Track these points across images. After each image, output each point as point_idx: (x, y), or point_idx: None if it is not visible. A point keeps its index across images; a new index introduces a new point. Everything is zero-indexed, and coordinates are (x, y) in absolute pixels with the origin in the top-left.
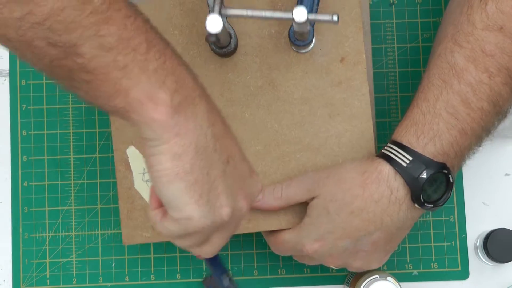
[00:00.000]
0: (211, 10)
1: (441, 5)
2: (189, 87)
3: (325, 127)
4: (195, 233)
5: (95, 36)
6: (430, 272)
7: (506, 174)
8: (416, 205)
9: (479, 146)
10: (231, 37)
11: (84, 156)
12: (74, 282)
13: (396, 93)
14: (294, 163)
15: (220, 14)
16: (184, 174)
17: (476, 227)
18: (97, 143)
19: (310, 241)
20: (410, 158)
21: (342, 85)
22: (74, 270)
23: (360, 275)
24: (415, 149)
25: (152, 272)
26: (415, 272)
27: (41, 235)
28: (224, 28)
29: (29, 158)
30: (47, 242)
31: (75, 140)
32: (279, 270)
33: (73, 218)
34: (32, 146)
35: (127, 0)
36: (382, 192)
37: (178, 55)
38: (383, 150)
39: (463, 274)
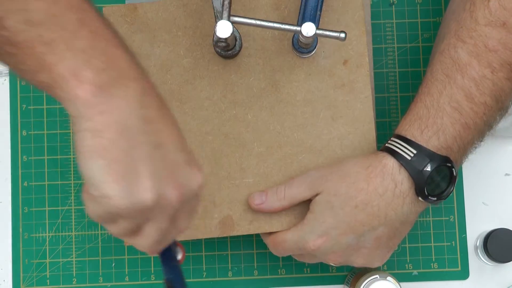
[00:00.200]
0: (219, 16)
1: (441, 5)
2: (122, 68)
3: (328, 129)
4: (119, 217)
5: (22, 10)
6: (430, 272)
7: (506, 174)
8: (420, 198)
9: (481, 141)
10: (236, 40)
11: None
12: (74, 282)
13: (396, 93)
14: (296, 165)
15: (229, 20)
16: (103, 151)
17: (476, 227)
18: None
19: (313, 237)
20: (414, 152)
21: (345, 88)
22: (74, 270)
23: (360, 275)
24: (419, 143)
25: (152, 272)
26: (415, 272)
27: (41, 235)
28: (233, 33)
29: (29, 158)
30: (47, 242)
31: None
32: (279, 270)
33: (73, 218)
34: (32, 146)
35: None
36: (386, 185)
37: (123, 41)
38: (387, 144)
39: (463, 274)
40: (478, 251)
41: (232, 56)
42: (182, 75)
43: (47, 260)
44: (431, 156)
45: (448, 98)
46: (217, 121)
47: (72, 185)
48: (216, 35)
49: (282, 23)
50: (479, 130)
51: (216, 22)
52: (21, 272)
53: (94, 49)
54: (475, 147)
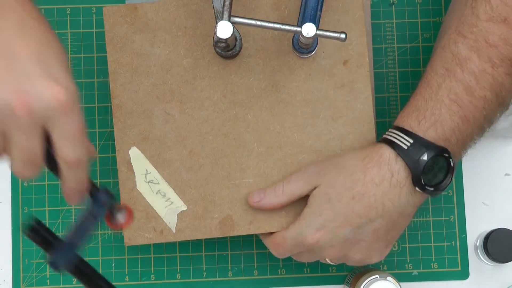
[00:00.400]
0: (219, 16)
1: (441, 5)
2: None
3: (328, 129)
4: None
5: None
6: (430, 272)
7: (506, 174)
8: (417, 188)
9: (481, 136)
10: (236, 40)
11: None
12: (74, 282)
13: (396, 93)
14: (296, 165)
15: (230, 20)
16: None
17: (476, 227)
18: (97, 143)
19: (311, 231)
20: (411, 141)
21: (345, 88)
22: None
23: (360, 275)
24: (417, 133)
25: (152, 272)
26: (415, 272)
27: None
28: (233, 33)
29: None
30: None
31: None
32: (279, 270)
33: (73, 218)
34: None
35: None
36: (383, 175)
37: None
38: (384, 135)
39: (463, 274)
40: (478, 251)
41: (232, 57)
42: (182, 75)
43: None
44: (428, 145)
45: (447, 91)
46: (217, 121)
47: None
48: (217, 36)
49: (282, 24)
50: (479, 125)
51: (216, 23)
52: (21, 272)
53: None
54: (475, 142)
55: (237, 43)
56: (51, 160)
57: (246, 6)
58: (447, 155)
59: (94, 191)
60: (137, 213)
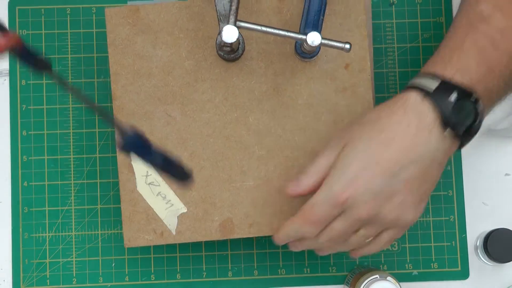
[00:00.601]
0: (223, 20)
1: (441, 5)
2: None
3: (329, 133)
4: None
5: None
6: (430, 272)
7: (506, 174)
8: (446, 133)
9: (507, 93)
10: (239, 43)
11: (84, 156)
12: (74, 282)
13: (396, 93)
14: (297, 169)
15: (235, 25)
16: None
17: (476, 227)
18: (97, 143)
19: (341, 186)
20: (438, 83)
21: (347, 92)
22: (74, 270)
23: (360, 275)
24: (443, 76)
25: (152, 272)
26: (415, 272)
27: (41, 235)
28: (239, 38)
29: (29, 158)
30: (47, 242)
31: (75, 140)
32: (279, 270)
33: (73, 218)
34: (32, 146)
35: None
36: (410, 119)
37: None
38: (409, 83)
39: (463, 274)
40: (478, 251)
41: (235, 59)
42: (184, 77)
43: (47, 260)
44: (455, 87)
45: (472, 43)
46: (218, 123)
47: (72, 185)
48: (222, 40)
49: (287, 31)
50: (505, 80)
51: (219, 25)
52: (21, 272)
53: None
54: (501, 98)
55: (240, 46)
56: None
57: (248, 9)
58: (474, 100)
59: None
60: (137, 215)
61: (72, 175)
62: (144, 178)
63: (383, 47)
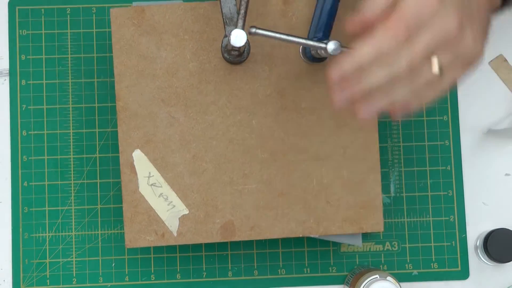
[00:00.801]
0: (228, 23)
1: None
2: None
3: (332, 137)
4: None
5: None
6: (430, 272)
7: (506, 174)
8: None
9: None
10: (245, 46)
11: (84, 156)
12: (74, 282)
13: None
14: (299, 173)
15: (243, 29)
16: None
17: (476, 227)
18: (97, 143)
19: None
20: None
21: None
22: (74, 270)
23: (360, 275)
24: None
25: (152, 272)
26: (415, 272)
27: (41, 235)
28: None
29: (29, 158)
30: (47, 242)
31: (75, 140)
32: (279, 270)
33: (73, 218)
34: (32, 146)
35: None
36: None
37: None
38: None
39: (463, 274)
40: (478, 251)
41: (239, 62)
42: (188, 79)
43: (47, 260)
44: None
45: None
46: (221, 126)
47: (72, 185)
48: (230, 44)
49: (307, 39)
50: None
51: (225, 28)
52: (21, 272)
53: None
54: None
55: (245, 49)
56: None
57: (253, 12)
58: None
59: None
60: (139, 216)
61: (72, 175)
62: (146, 179)
63: None
